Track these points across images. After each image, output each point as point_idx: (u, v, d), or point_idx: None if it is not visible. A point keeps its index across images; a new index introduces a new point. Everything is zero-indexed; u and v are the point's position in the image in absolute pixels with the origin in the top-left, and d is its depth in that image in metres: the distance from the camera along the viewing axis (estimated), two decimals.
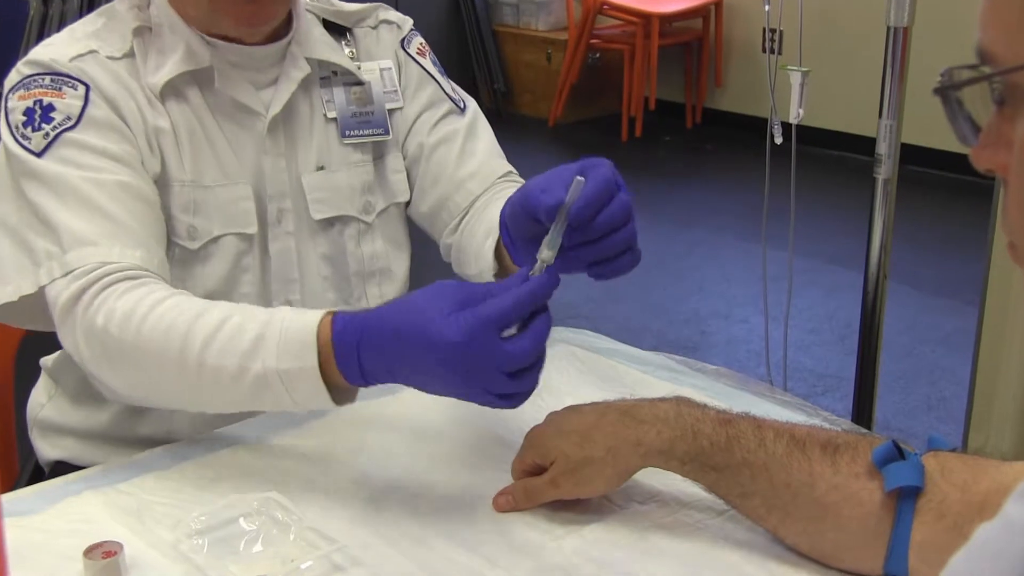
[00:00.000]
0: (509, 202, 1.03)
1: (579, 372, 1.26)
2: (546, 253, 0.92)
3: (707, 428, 0.91)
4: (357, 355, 0.93)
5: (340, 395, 0.97)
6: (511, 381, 0.88)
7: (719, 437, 0.91)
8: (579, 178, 0.92)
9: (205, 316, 1.00)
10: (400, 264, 1.33)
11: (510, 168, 1.33)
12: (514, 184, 1.31)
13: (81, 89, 1.12)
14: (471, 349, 0.86)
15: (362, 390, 0.98)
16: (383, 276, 1.30)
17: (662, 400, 0.96)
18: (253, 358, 0.96)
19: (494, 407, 0.92)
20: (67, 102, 1.11)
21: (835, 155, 4.97)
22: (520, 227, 0.99)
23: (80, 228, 1.06)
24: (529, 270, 0.91)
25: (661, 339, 3.34)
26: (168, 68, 1.16)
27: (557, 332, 1.36)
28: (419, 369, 0.90)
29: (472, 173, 1.29)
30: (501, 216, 1.07)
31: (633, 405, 0.95)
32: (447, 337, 0.87)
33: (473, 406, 0.92)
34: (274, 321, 0.97)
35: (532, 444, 0.99)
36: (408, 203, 1.33)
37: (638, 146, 5.43)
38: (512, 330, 0.89)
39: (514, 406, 0.91)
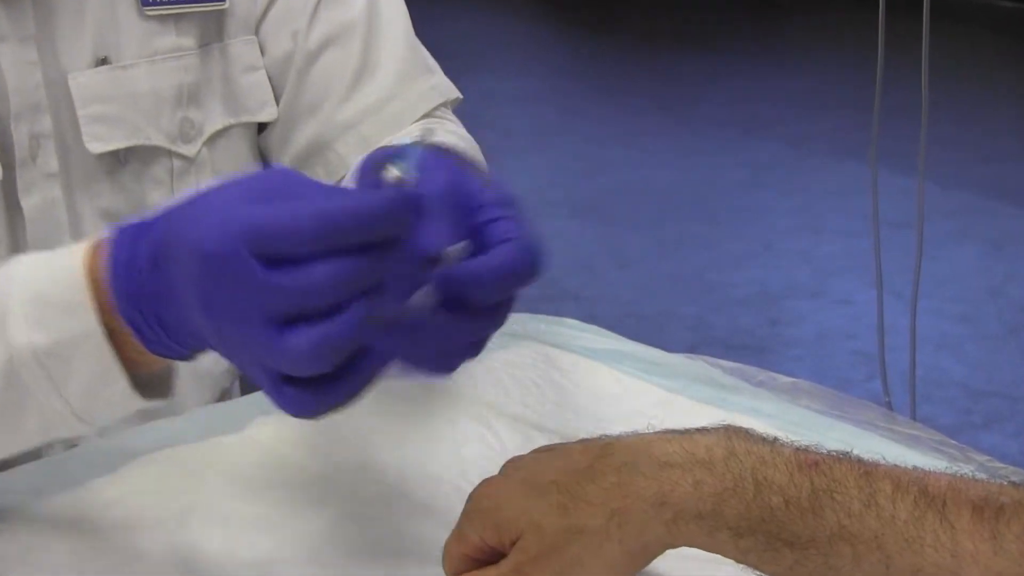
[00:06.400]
0: None
1: (557, 389, 1.27)
2: (394, 171, 0.89)
3: (779, 476, 0.93)
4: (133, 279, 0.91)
5: (144, 380, 0.96)
6: (281, 334, 0.83)
7: (798, 491, 0.92)
8: (459, 245, 0.90)
9: None
10: None
11: (443, 96, 1.36)
12: (445, 122, 1.34)
13: None
14: (214, 259, 0.84)
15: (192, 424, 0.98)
16: None
17: (702, 431, 0.97)
18: None
19: (278, 403, 0.87)
20: None
21: (996, 7, 5.02)
22: None
23: None
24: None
25: (701, 333, 3.37)
26: None
27: (521, 321, 1.37)
28: (179, 290, 0.88)
29: (369, 108, 1.32)
30: None
31: (653, 440, 0.97)
32: (188, 236, 0.85)
33: (375, 442, 0.93)
34: (13, 275, 0.96)
35: (480, 510, 1.00)
36: (265, 126, 1.35)
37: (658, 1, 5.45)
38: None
39: (299, 408, 0.86)
